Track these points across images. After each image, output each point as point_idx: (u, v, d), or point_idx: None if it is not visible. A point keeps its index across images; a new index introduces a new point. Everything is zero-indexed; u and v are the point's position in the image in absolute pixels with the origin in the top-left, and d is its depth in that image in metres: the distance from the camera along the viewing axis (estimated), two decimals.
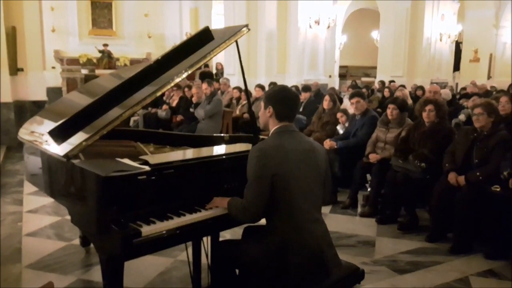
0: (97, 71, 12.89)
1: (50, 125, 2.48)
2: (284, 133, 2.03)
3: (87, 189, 1.99)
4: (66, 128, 2.19)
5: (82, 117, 2.20)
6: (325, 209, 4.59)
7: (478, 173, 3.54)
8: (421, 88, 9.05)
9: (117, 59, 13.83)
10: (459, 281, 3.11)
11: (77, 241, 3.58)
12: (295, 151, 1.98)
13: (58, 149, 2.18)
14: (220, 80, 9.83)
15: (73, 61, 13.51)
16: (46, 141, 2.42)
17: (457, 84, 15.81)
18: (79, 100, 2.98)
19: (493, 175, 3.48)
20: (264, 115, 2.10)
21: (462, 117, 5.48)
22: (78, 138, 2.14)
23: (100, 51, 13.56)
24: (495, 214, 3.42)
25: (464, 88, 10.80)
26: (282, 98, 2.07)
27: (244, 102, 7.78)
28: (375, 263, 3.38)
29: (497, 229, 3.48)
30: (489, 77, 16.39)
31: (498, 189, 3.37)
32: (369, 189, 4.62)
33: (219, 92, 8.21)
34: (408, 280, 3.12)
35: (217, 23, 15.70)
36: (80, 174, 2.02)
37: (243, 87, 2.99)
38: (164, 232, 1.90)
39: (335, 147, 4.90)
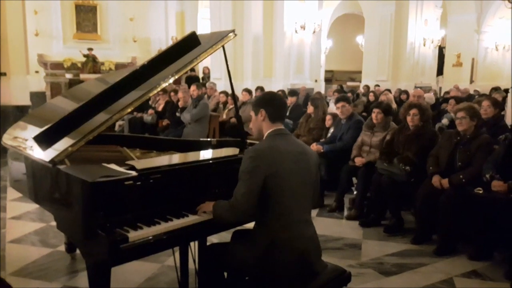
0: (82, 76, 12.78)
1: (35, 130, 2.45)
2: (277, 136, 2.09)
3: (74, 194, 1.97)
4: (52, 133, 2.16)
5: (68, 122, 2.18)
6: (312, 213, 4.57)
7: (461, 176, 3.61)
8: (406, 92, 9.20)
9: (102, 63, 13.71)
10: (444, 282, 3.16)
11: (62, 248, 3.54)
12: (288, 152, 2.04)
13: (43, 155, 2.16)
14: (207, 84, 9.82)
15: (57, 65, 13.35)
16: (31, 146, 2.40)
17: (440, 88, 16.08)
18: (64, 105, 2.95)
19: (476, 178, 3.55)
20: (257, 121, 2.16)
21: (445, 121, 5.58)
22: (64, 143, 2.12)
23: (84, 55, 13.42)
24: (478, 216, 3.48)
25: (447, 92, 10.98)
26: (270, 100, 2.16)
27: (231, 106, 7.79)
28: (362, 266, 3.41)
29: (480, 230, 3.55)
30: (471, 81, 16.69)
31: (480, 191, 3.43)
32: (355, 192, 4.66)
33: (205, 96, 8.21)
34: (394, 282, 3.15)
35: (203, 27, 15.71)
36: (66, 179, 2.00)
37: (229, 91, 3.01)
38: (151, 237, 1.89)
39: (322, 150, 4.94)
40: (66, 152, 2.06)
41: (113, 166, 2.06)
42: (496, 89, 9.96)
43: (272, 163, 1.97)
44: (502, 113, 6.10)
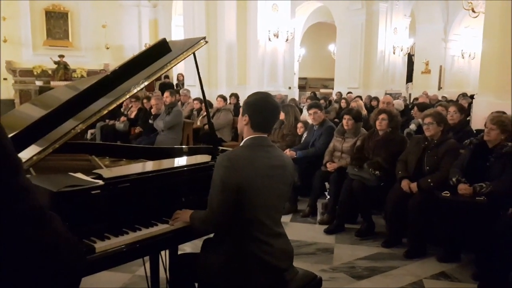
0: (53, 83, 12.54)
1: None
2: (257, 147, 1.98)
3: None
4: (17, 141, 2.10)
5: (35, 129, 2.12)
6: (286, 218, 4.64)
7: (429, 180, 3.70)
8: (376, 98, 9.39)
9: (74, 71, 13.48)
10: (414, 284, 3.23)
11: None
12: (264, 166, 1.94)
13: None
14: (181, 91, 9.78)
15: (27, 73, 13.06)
16: None
17: (410, 94, 16.47)
18: (32, 112, 2.87)
19: (443, 181, 3.64)
20: (241, 122, 2.05)
21: (412, 126, 5.72)
22: (29, 152, 2.06)
23: (55, 62, 13.16)
24: (445, 219, 3.58)
25: (416, 99, 11.26)
26: (260, 108, 1.99)
27: (205, 113, 7.76)
28: (334, 270, 3.45)
29: (448, 233, 3.65)
30: (439, 87, 17.19)
31: (448, 195, 3.51)
32: (328, 197, 4.72)
33: (179, 103, 8.16)
34: (365, 286, 3.20)
35: (176, 35, 15.65)
36: None
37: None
38: (119, 247, 1.85)
39: (295, 156, 4.99)
40: (30, 161, 2.00)
41: (79, 175, 2.02)
42: (464, 95, 10.31)
43: (246, 176, 1.88)
44: (468, 118, 6.31)
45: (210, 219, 1.96)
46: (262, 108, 2.00)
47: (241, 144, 2.05)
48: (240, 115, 2.08)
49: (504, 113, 3.97)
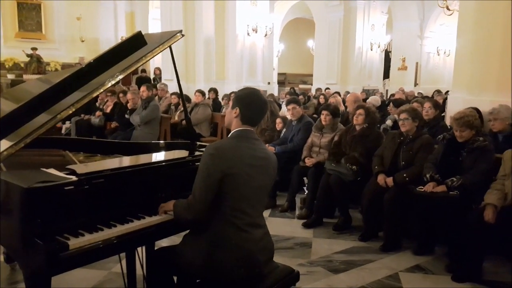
0: (25, 76, 12.22)
1: None
2: (242, 138, 2.04)
3: (9, 202, 1.86)
4: None
5: (5, 124, 2.05)
6: (265, 213, 4.60)
7: (404, 175, 3.76)
8: None
9: (47, 64, 13.16)
10: (389, 278, 3.28)
11: (1, 258, 3.33)
12: (249, 156, 2.00)
13: None
14: (158, 85, 9.65)
15: None
16: None
17: (387, 90, 16.72)
18: (2, 106, 2.79)
19: (418, 176, 3.70)
20: (230, 114, 2.11)
21: (389, 122, 5.80)
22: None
23: (28, 55, 12.80)
24: (420, 213, 3.65)
25: (393, 95, 11.43)
26: (250, 103, 2.08)
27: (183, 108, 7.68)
28: (312, 264, 3.48)
29: (422, 226, 3.72)
30: (415, 84, 17.51)
31: (422, 190, 3.58)
32: (306, 192, 4.75)
33: (156, 97, 8.05)
34: (342, 279, 3.24)
35: (153, 28, 15.44)
36: (1, 186, 1.88)
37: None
38: (94, 244, 1.82)
39: (274, 151, 4.99)
40: (0, 157, 1.94)
41: (52, 171, 1.96)
42: (439, 91, 10.53)
43: (231, 164, 1.93)
44: (443, 114, 6.44)
45: (192, 205, 1.97)
46: (253, 103, 2.08)
47: (229, 135, 2.10)
48: (229, 108, 2.14)
49: (475, 108, 4.08)
